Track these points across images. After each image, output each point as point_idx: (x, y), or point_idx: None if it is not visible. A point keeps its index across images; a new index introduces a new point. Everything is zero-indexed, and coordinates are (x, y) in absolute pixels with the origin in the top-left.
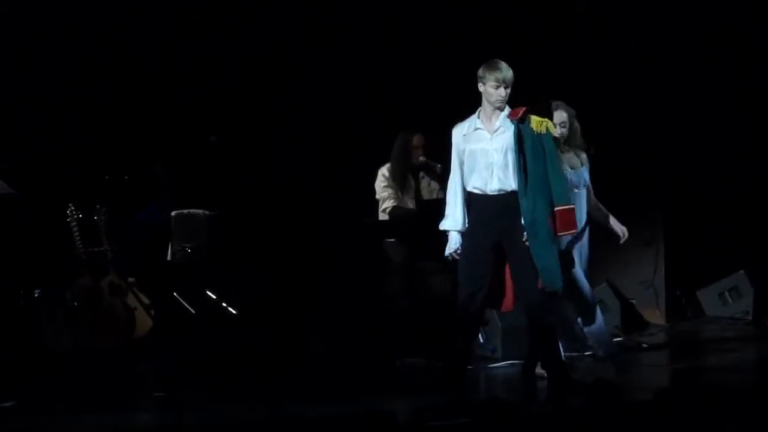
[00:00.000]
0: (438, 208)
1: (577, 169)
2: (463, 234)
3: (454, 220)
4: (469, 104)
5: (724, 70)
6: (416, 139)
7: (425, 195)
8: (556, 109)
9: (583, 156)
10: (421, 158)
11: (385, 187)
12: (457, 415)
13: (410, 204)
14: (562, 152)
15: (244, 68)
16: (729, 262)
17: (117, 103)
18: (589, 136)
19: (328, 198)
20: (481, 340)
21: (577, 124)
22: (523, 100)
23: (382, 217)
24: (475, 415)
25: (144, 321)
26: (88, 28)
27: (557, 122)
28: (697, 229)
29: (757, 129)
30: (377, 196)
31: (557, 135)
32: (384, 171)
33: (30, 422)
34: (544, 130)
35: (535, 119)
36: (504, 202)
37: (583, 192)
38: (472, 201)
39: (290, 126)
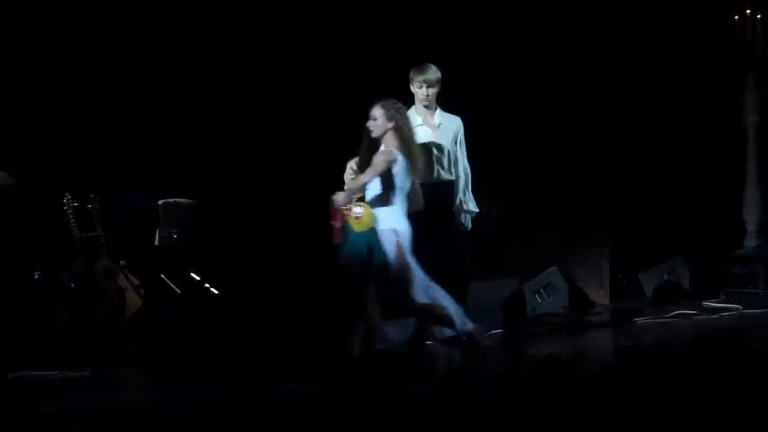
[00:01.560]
0: None
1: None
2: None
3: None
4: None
5: (666, 63)
6: None
7: None
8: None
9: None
10: None
11: (352, 178)
12: (418, 390)
13: None
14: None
15: (228, 60)
16: (668, 247)
17: (104, 98)
18: (540, 131)
19: (303, 189)
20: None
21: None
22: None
23: None
24: (436, 390)
25: (134, 300)
26: (80, 22)
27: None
28: (640, 216)
29: (698, 121)
30: (346, 188)
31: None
32: (352, 164)
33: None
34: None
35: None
36: (443, 190)
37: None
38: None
39: (267, 118)
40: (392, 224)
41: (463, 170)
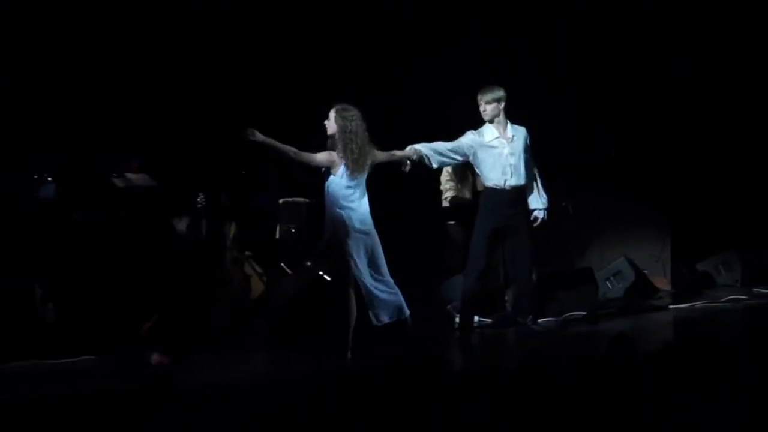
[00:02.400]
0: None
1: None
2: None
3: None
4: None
5: (731, 64)
6: None
7: (479, 187)
8: (332, 108)
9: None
10: None
11: (447, 180)
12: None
13: (468, 194)
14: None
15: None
16: (723, 239)
17: (236, 114)
18: (612, 137)
19: (402, 188)
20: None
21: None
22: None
23: (445, 204)
24: (516, 363)
25: (258, 286)
26: (199, 31)
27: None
28: (698, 212)
29: (751, 121)
30: (441, 188)
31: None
32: (448, 168)
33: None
34: None
35: None
36: (516, 194)
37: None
38: (488, 194)
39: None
40: (330, 214)
41: (535, 171)
